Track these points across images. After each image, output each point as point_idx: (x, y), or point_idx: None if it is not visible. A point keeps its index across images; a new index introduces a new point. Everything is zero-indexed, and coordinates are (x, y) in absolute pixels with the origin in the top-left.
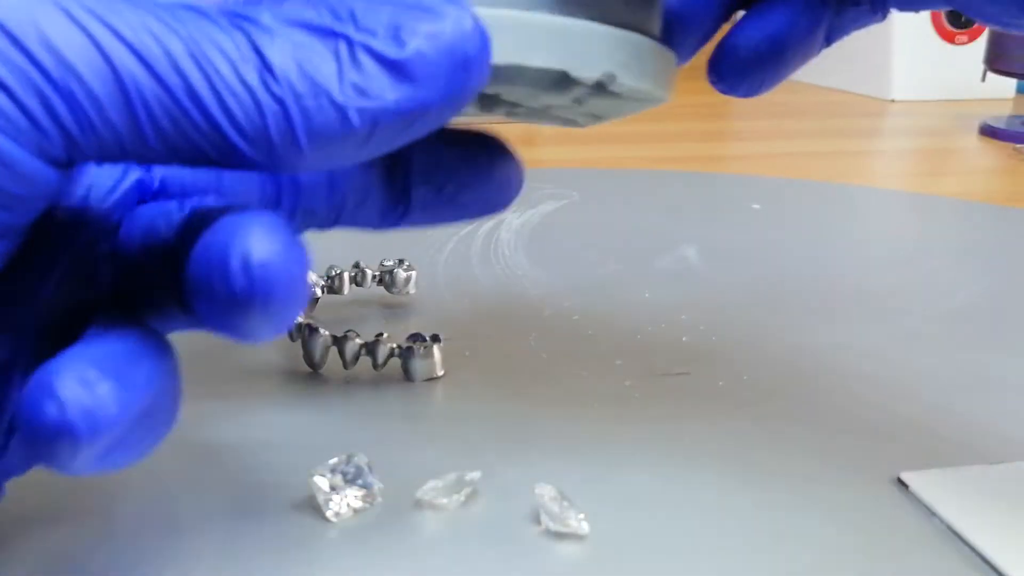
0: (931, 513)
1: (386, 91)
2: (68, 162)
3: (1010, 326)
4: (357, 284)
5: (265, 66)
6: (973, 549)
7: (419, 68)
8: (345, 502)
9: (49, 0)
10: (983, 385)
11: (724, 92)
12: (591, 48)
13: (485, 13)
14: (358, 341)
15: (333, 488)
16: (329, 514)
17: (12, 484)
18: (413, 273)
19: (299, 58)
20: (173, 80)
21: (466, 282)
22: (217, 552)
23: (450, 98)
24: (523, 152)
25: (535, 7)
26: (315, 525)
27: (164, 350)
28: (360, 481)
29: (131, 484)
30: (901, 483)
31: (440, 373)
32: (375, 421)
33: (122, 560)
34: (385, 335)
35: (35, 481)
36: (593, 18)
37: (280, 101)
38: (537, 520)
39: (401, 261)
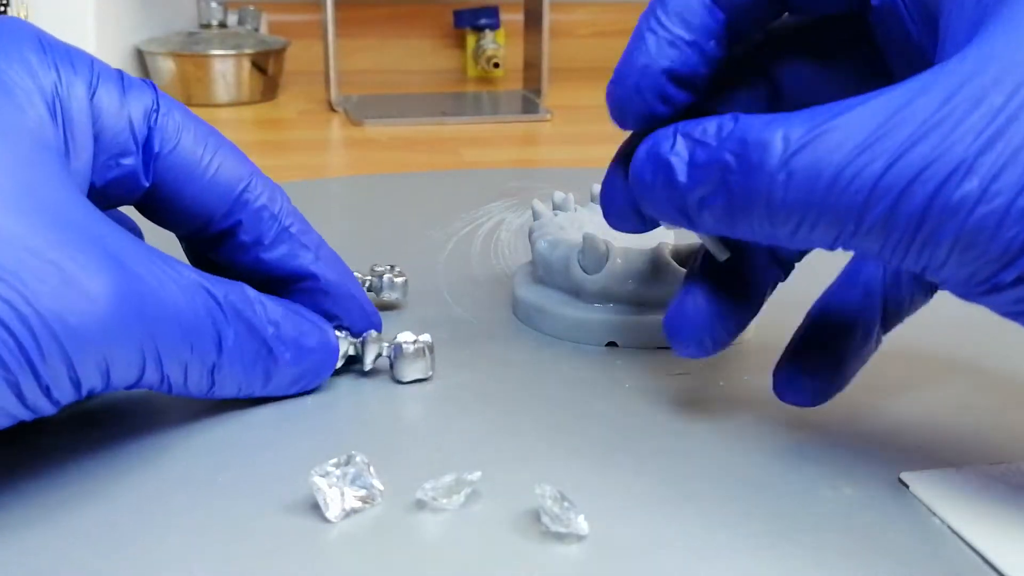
0: (931, 513)
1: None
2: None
3: (1010, 326)
4: None
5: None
6: (973, 549)
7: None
8: (345, 502)
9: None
10: (983, 385)
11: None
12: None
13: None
14: (348, 340)
15: (333, 488)
16: (329, 514)
17: (8, 488)
18: (403, 279)
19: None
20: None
21: (466, 282)
22: (217, 552)
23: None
24: (523, 152)
25: None
26: (315, 525)
27: None
28: (360, 481)
29: (130, 483)
30: (901, 483)
31: (429, 374)
32: (375, 421)
33: (120, 560)
34: (374, 334)
35: (32, 483)
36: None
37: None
38: (537, 520)
39: (392, 267)
